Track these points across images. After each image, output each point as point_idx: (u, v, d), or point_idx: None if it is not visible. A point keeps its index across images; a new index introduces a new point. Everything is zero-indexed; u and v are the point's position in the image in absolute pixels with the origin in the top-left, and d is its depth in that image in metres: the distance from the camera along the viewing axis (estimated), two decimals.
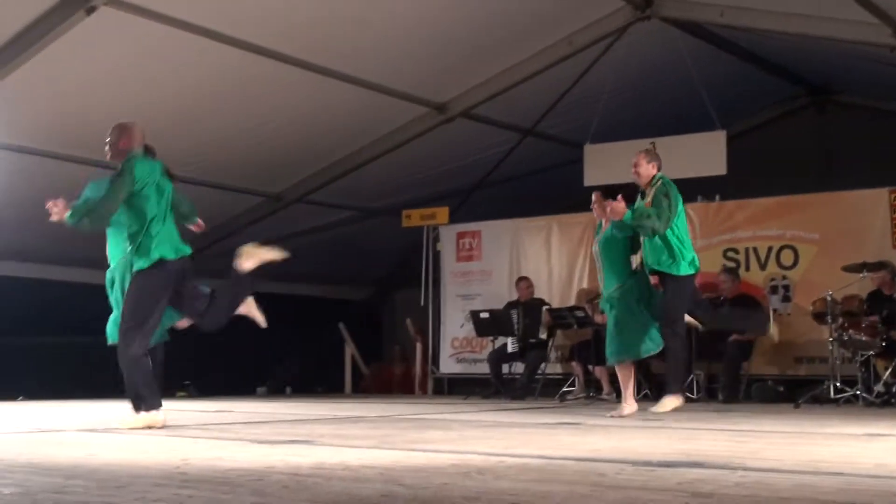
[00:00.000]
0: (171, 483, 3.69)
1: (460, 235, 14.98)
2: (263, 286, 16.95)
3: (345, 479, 3.81)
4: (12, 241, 13.25)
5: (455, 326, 14.82)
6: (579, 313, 12.54)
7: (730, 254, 12.75)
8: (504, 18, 11.41)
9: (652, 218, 8.31)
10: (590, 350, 12.42)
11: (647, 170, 8.69)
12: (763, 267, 12.55)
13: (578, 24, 11.84)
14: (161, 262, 6.90)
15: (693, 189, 12.73)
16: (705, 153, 12.44)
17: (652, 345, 8.65)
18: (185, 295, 7.15)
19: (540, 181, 15.04)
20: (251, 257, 7.58)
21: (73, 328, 14.37)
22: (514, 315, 13.04)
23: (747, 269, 12.58)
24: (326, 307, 17.23)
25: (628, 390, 8.78)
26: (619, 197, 8.81)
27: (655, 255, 8.53)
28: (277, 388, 16.15)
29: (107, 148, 7.32)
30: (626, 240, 8.70)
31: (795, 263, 12.38)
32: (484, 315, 13.22)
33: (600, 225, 8.98)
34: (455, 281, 14.98)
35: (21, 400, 12.54)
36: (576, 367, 12.81)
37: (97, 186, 7.45)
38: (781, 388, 11.88)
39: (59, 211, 6.94)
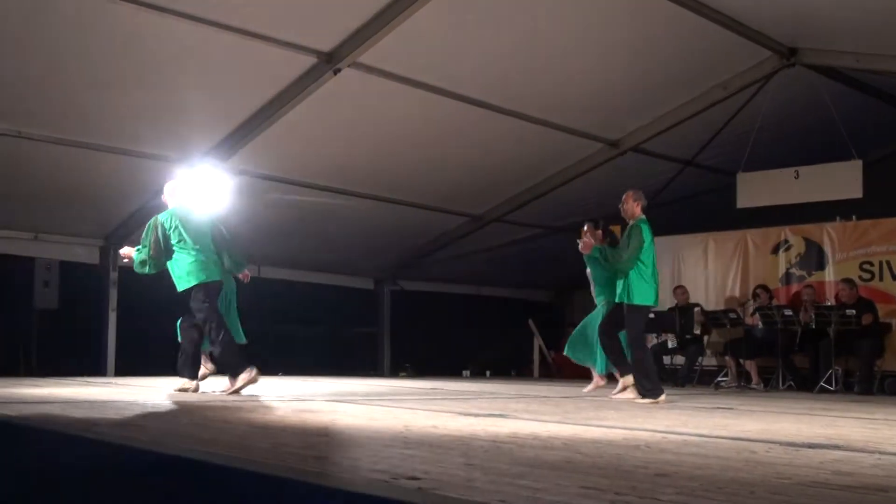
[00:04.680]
0: (397, 444, 3.76)
1: None
2: (471, 289, 17.22)
3: (535, 446, 3.81)
4: (278, 250, 13.93)
5: None
6: (732, 315, 12.38)
7: (865, 266, 12.26)
8: (667, 68, 11.32)
9: (612, 260, 8.09)
10: (741, 346, 12.23)
11: (632, 207, 8.28)
12: (895, 277, 12.02)
13: (732, 71, 11.65)
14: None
15: (832, 210, 12.46)
16: (843, 179, 11.96)
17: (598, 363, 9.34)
18: None
19: (698, 204, 14.78)
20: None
21: (321, 321, 14.97)
22: (675, 316, 12.86)
23: (881, 279, 12.08)
24: (518, 306, 17.34)
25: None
26: (599, 232, 8.92)
27: (619, 287, 8.14)
28: (479, 370, 16.32)
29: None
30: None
31: None
32: (650, 315, 13.07)
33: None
34: None
35: (280, 375, 12.97)
36: (729, 360, 12.59)
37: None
38: None
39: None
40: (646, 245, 8.04)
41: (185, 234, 7.84)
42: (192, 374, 7.93)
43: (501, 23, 9.84)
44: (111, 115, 10.18)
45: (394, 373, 15.63)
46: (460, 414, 5.70)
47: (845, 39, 10.72)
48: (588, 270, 9.22)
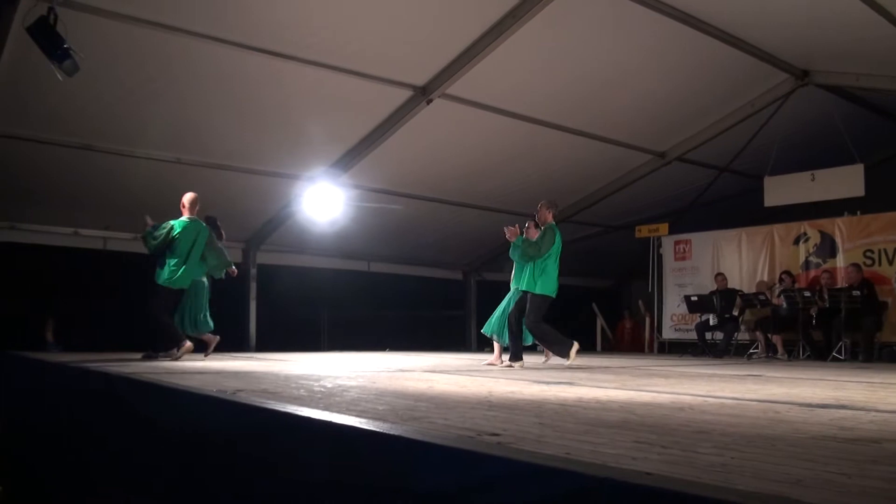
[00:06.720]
0: (481, 407, 3.80)
1: (677, 243, 14.64)
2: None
3: (596, 408, 3.82)
4: (384, 249, 14.08)
5: (673, 306, 14.52)
6: (762, 297, 12.14)
7: (868, 253, 12.01)
8: (705, 91, 11.23)
9: (527, 250, 7.98)
10: (769, 323, 11.96)
11: (544, 214, 8.22)
12: (891, 263, 11.76)
13: (757, 91, 11.52)
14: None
15: (841, 207, 12.30)
16: (849, 180, 11.87)
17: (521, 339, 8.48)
18: None
19: (732, 203, 14.53)
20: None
21: (419, 306, 15.06)
22: (715, 299, 12.68)
23: (880, 264, 11.83)
24: (584, 292, 17.22)
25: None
26: (529, 224, 8.60)
27: (524, 276, 8.14)
28: None
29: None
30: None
31: None
32: (694, 298, 12.93)
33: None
34: (673, 274, 14.65)
35: (387, 351, 13.11)
36: (759, 335, 12.32)
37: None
38: None
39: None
40: (555, 245, 8.05)
41: (179, 244, 8.43)
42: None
43: (567, 57, 9.83)
44: (250, 143, 10.44)
45: (479, 349, 15.67)
46: (535, 382, 5.71)
47: (848, 63, 10.58)
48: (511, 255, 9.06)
